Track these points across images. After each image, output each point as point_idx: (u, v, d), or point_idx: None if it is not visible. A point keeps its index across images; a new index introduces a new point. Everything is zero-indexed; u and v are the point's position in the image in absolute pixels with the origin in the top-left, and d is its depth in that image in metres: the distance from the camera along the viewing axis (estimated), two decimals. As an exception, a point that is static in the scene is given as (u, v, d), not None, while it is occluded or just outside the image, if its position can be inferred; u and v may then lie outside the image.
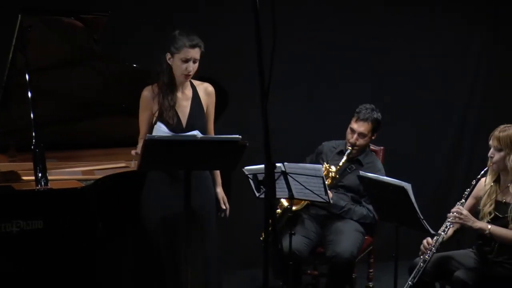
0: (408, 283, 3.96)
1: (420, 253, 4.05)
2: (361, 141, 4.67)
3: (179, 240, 3.91)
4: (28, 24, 3.94)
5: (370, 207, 4.59)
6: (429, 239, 4.05)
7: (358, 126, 4.66)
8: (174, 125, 3.96)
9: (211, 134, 4.12)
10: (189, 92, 4.06)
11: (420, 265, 3.97)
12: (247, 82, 4.27)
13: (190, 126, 3.99)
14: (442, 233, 4.02)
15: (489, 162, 4.06)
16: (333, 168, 4.61)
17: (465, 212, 3.99)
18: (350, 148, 4.66)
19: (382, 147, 5.02)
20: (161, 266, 4.03)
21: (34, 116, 3.91)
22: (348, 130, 4.71)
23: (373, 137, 4.75)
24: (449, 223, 4.03)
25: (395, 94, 6.12)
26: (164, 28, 5.24)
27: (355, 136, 4.66)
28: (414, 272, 3.97)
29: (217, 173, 4.20)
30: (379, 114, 4.70)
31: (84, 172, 4.41)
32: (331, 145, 4.87)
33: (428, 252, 3.99)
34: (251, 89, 3.46)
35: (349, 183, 4.70)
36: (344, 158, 4.64)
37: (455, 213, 3.98)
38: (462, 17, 6.21)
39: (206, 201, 4.06)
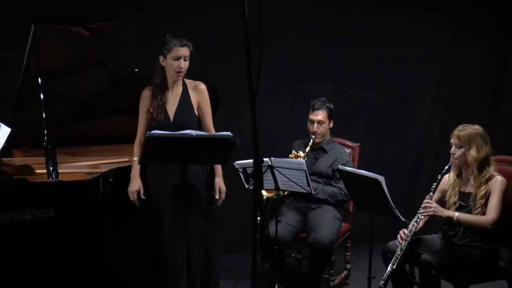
0: (389, 270, 4.03)
1: (397, 242, 4.11)
2: (321, 129, 4.87)
3: (174, 227, 3.96)
4: (40, 33, 4.02)
5: (341, 186, 4.70)
6: (405, 230, 4.13)
7: (316, 115, 4.86)
8: (161, 120, 4.02)
9: (211, 129, 4.16)
10: (178, 90, 4.13)
11: (398, 253, 4.05)
12: (237, 84, 4.30)
13: (177, 121, 4.06)
14: (415, 223, 4.10)
15: (451, 158, 4.14)
16: (301, 153, 4.82)
17: (434, 204, 4.09)
18: (313, 136, 4.84)
19: (358, 144, 5.10)
20: (159, 252, 4.08)
21: (46, 116, 3.98)
22: (308, 123, 4.91)
23: (331, 124, 4.92)
24: (421, 215, 4.10)
25: (370, 94, 6.18)
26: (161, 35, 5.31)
27: (315, 125, 4.86)
28: (393, 260, 4.04)
29: (218, 164, 4.22)
30: (330, 104, 4.91)
31: (90, 166, 4.48)
32: (299, 142, 5.04)
33: (404, 242, 4.08)
34: (241, 90, 3.50)
35: (319, 170, 4.85)
36: (309, 145, 4.82)
37: (426, 207, 4.07)
38: (429, 23, 6.28)
39: (193, 186, 4.04)
